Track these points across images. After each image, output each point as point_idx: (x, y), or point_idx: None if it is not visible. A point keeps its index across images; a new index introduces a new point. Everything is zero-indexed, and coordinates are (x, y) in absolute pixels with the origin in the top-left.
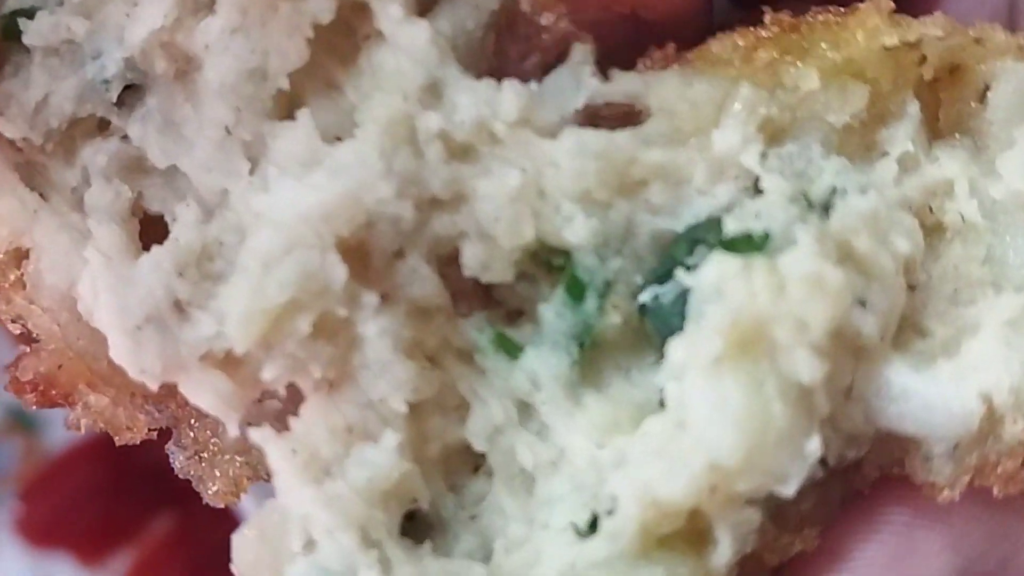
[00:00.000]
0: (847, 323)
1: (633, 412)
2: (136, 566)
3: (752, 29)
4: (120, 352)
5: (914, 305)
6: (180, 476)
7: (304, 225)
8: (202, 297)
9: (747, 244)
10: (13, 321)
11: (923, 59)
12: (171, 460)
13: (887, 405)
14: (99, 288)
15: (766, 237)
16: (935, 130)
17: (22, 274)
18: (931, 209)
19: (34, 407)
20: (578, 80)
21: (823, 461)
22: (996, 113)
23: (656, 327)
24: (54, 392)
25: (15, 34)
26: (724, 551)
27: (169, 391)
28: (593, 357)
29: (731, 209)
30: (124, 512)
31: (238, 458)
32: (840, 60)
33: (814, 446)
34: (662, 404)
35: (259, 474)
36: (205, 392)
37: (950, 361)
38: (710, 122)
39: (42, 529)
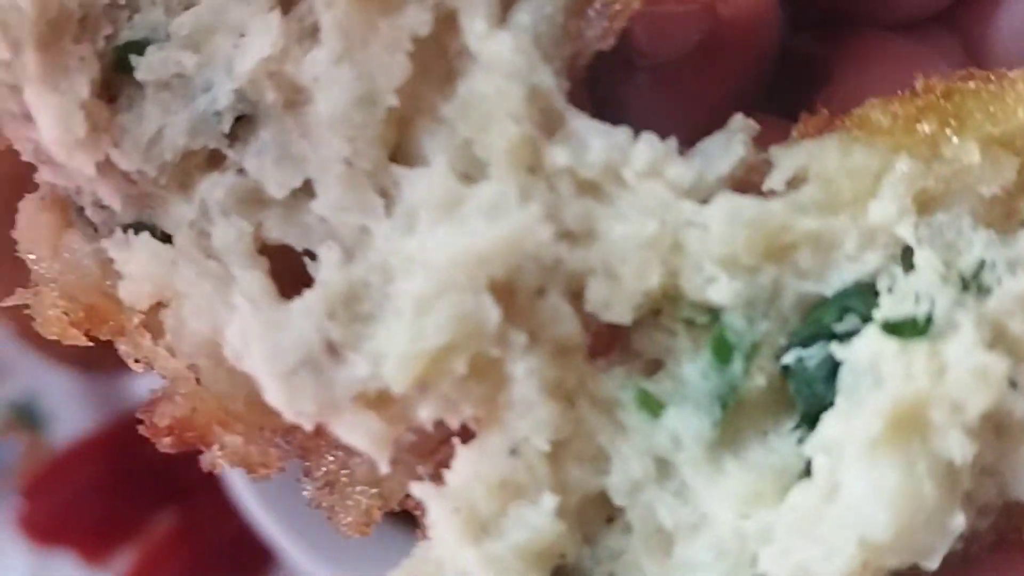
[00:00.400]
0: (1001, 405)
1: (775, 480)
2: (139, 563)
3: (907, 95)
4: (275, 396)
5: None
6: (311, 507)
7: (459, 269)
8: (354, 338)
9: (909, 328)
10: (137, 361)
11: None
12: (303, 490)
13: (1022, 479)
14: (250, 334)
15: (928, 321)
16: None
17: (147, 319)
18: None
19: (171, 451)
20: (731, 147)
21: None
22: None
23: (798, 390)
24: (190, 435)
25: (128, 67)
26: None
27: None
28: (733, 418)
29: (878, 275)
30: (127, 509)
31: (370, 489)
32: (998, 134)
33: (958, 522)
34: (805, 473)
35: (389, 504)
36: (358, 432)
37: None
38: (867, 192)
39: (45, 526)
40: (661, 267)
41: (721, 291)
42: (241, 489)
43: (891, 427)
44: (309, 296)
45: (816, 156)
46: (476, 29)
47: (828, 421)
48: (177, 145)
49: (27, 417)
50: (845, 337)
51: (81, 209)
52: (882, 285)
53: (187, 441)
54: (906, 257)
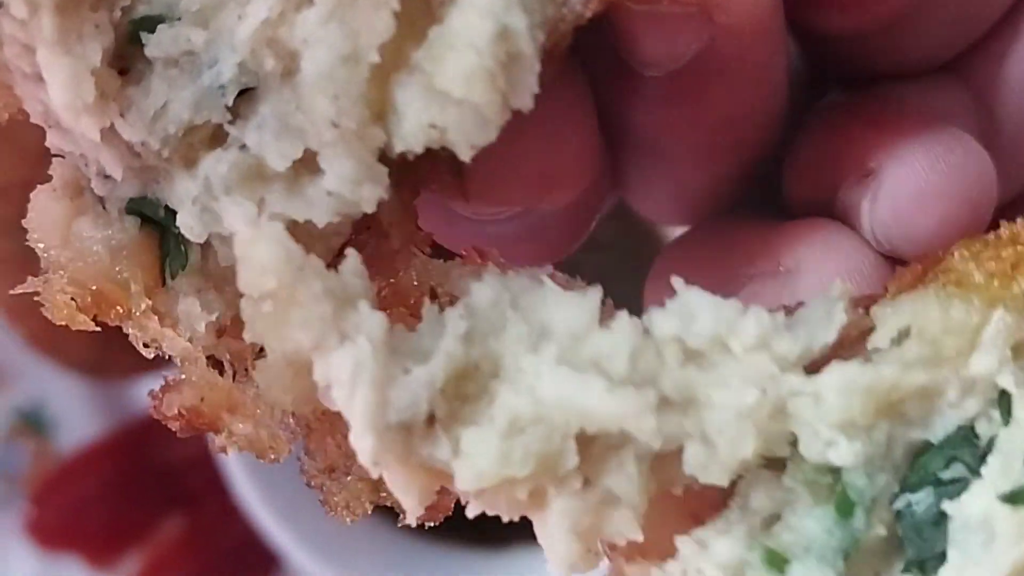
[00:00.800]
0: None
1: None
2: (145, 568)
3: (994, 240)
4: (361, 441)
5: None
6: (306, 484)
7: (562, 411)
8: (451, 421)
9: (1018, 497)
10: (146, 345)
11: None
12: (301, 465)
13: None
14: (362, 376)
15: (969, 435)
16: None
17: (153, 304)
18: None
19: (182, 435)
20: (832, 315)
21: None
22: None
23: (907, 535)
24: (200, 421)
25: (140, 41)
26: None
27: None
28: (853, 567)
29: (977, 419)
30: (134, 515)
31: (368, 480)
32: None
33: None
34: None
35: (380, 497)
36: (408, 490)
37: None
38: (969, 346)
39: (52, 531)
40: (759, 436)
41: (842, 454)
42: (248, 494)
43: None
44: (433, 365)
45: (917, 314)
46: None
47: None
48: (181, 119)
49: (34, 423)
50: (951, 484)
51: (90, 188)
52: (982, 429)
53: (197, 427)
54: (1003, 399)
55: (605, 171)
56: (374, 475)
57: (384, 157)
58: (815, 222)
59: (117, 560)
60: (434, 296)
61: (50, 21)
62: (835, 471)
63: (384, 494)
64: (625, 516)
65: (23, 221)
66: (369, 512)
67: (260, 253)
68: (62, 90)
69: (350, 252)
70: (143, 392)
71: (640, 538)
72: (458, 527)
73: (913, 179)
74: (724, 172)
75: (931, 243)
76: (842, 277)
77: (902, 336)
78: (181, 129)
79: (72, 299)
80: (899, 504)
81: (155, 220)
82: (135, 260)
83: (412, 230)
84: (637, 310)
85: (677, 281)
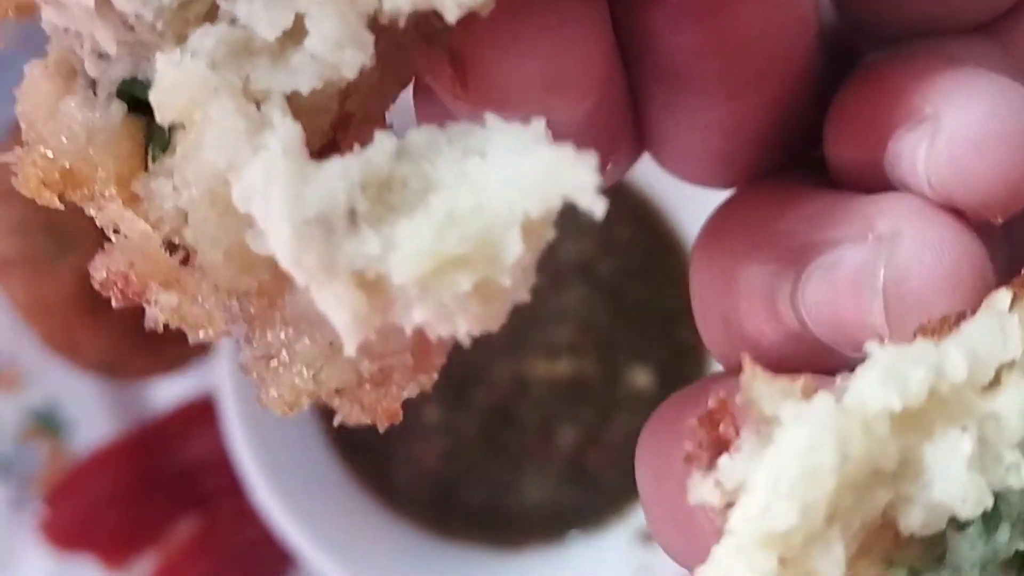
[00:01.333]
0: None
1: None
2: (160, 569)
3: None
4: (280, 242)
5: None
6: (240, 371)
7: (505, 198)
8: (376, 219)
9: None
10: (103, 228)
11: None
12: (237, 348)
13: None
14: (275, 176)
15: None
16: None
17: (133, 187)
18: None
19: (119, 306)
20: (1005, 331)
21: None
22: None
23: None
24: (130, 292)
25: None
26: None
27: (271, 290)
28: None
29: None
30: (148, 515)
31: (306, 372)
32: None
33: None
34: None
35: (319, 393)
36: (341, 307)
37: None
38: None
39: (66, 532)
40: (986, 483)
41: (1019, 474)
42: (263, 495)
43: None
44: (349, 160)
45: None
46: None
47: None
48: None
49: (49, 424)
50: None
51: (84, 72)
52: None
53: (128, 297)
54: None
55: (622, 101)
56: (300, 283)
57: (375, 29)
58: (901, 193)
59: (131, 561)
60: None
61: None
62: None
63: (324, 379)
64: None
65: (14, 90)
66: (304, 407)
67: (170, 75)
68: None
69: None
70: (158, 393)
71: None
72: (474, 528)
73: (973, 123)
74: (753, 114)
75: (989, 191)
76: (945, 246)
77: None
78: (175, 1)
79: (41, 172)
80: None
81: (144, 103)
82: (111, 146)
83: (384, 112)
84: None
85: (871, 346)
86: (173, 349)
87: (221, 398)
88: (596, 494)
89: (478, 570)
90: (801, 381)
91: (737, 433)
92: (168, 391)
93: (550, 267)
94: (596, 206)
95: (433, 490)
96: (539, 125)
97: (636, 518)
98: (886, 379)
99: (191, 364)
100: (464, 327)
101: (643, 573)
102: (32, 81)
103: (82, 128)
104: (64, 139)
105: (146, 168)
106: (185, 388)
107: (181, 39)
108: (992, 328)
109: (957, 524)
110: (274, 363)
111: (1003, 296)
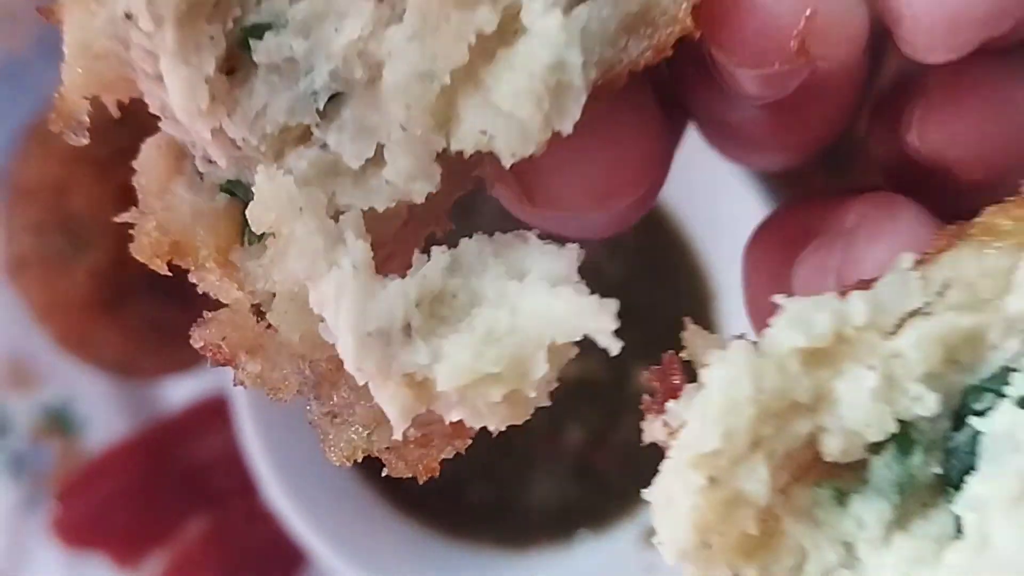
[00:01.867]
0: None
1: (932, 544)
2: (171, 567)
3: (1020, 198)
4: (345, 348)
5: None
6: (309, 423)
7: (536, 324)
8: (428, 332)
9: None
10: (204, 293)
11: None
12: (306, 406)
13: None
14: (345, 292)
15: (1007, 371)
16: None
17: (231, 258)
18: None
19: (211, 365)
20: (907, 285)
21: None
22: None
23: (948, 462)
24: (219, 357)
25: (248, 47)
26: None
27: (338, 362)
28: (906, 499)
29: (1017, 360)
30: (160, 514)
31: (363, 431)
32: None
33: None
34: (956, 532)
35: (372, 450)
36: (393, 403)
37: None
38: (1004, 286)
39: (78, 530)
40: (890, 411)
41: (928, 405)
42: (274, 494)
43: None
44: (408, 282)
45: (955, 265)
46: (535, 8)
47: (974, 483)
48: (278, 121)
49: (62, 422)
50: (985, 413)
51: (192, 158)
52: (1020, 365)
53: (220, 362)
54: None
55: (663, 177)
56: (359, 381)
57: (442, 154)
58: (880, 191)
59: (143, 558)
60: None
61: (172, 34)
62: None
63: (375, 439)
64: (746, 516)
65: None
66: (359, 460)
67: (266, 192)
68: (180, 95)
69: (352, 210)
70: (170, 393)
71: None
72: (482, 527)
73: None
74: (805, 154)
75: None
76: (896, 240)
77: (945, 287)
78: (277, 129)
79: (155, 242)
80: (950, 444)
81: (243, 199)
82: (213, 227)
83: (442, 215)
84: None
85: (779, 298)
86: (186, 349)
87: (233, 398)
88: (603, 494)
89: (486, 569)
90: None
91: (682, 383)
92: (180, 391)
93: None
94: (613, 346)
95: (442, 490)
96: (573, 251)
97: (643, 518)
98: (793, 323)
99: (204, 364)
100: (493, 424)
101: (650, 572)
102: (148, 156)
103: (191, 208)
104: (174, 216)
105: (242, 243)
106: (197, 388)
107: (278, 156)
108: (896, 283)
109: (874, 450)
110: (337, 420)
111: (907, 257)
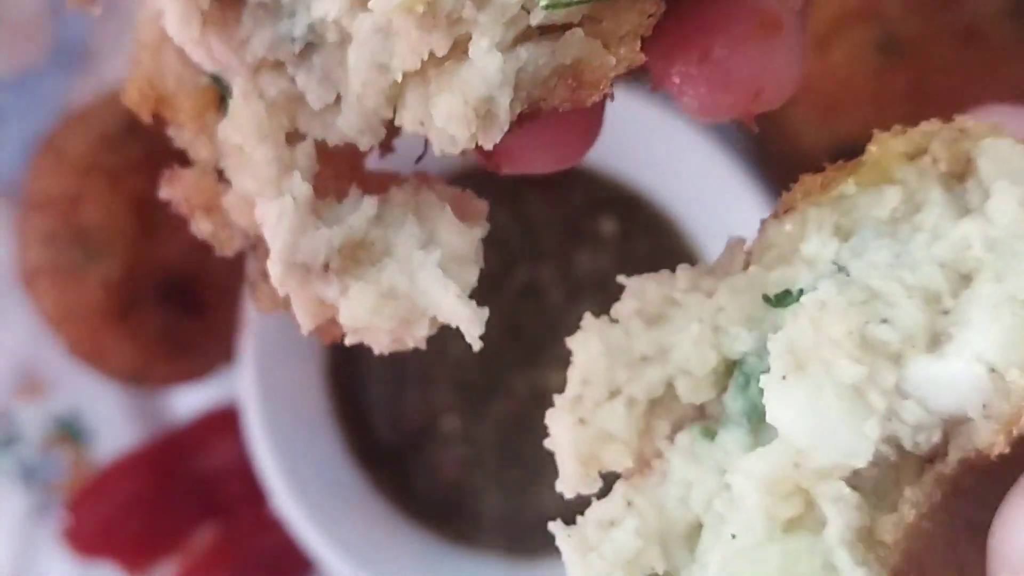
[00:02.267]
0: (872, 336)
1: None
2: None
3: (810, 177)
4: (272, 268)
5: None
6: (247, 275)
7: (425, 299)
8: (342, 271)
9: (788, 297)
10: (179, 147)
11: (935, 160)
12: (247, 260)
13: (928, 394)
14: (282, 222)
15: (801, 292)
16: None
17: (207, 120)
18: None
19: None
20: (732, 256)
21: (899, 447)
22: (981, 176)
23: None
24: (182, 211)
25: None
26: (833, 525)
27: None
28: (755, 425)
29: (810, 284)
30: (169, 523)
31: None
32: (873, 173)
33: (870, 429)
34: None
35: (287, 305)
36: (302, 310)
37: (953, 343)
38: (798, 240)
39: (88, 539)
40: (714, 349)
41: (746, 343)
42: (282, 502)
43: (793, 367)
44: (334, 231)
45: (771, 233)
46: (481, 45)
47: (764, 381)
48: (257, 54)
49: (72, 431)
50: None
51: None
52: (809, 287)
53: (182, 213)
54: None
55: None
56: (280, 293)
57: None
58: None
59: (153, 567)
60: (364, 186)
61: None
62: (735, 361)
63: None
64: (618, 449)
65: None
66: (282, 310)
67: (239, 110)
68: (176, 22)
69: (307, 139)
70: (181, 402)
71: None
72: (491, 536)
73: None
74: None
75: None
76: None
77: (762, 251)
78: (256, 59)
79: (143, 94)
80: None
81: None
82: (193, 95)
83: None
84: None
85: (622, 278)
86: (197, 359)
87: (244, 407)
88: None
89: None
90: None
91: None
92: (191, 400)
93: (567, 281)
94: (475, 344)
95: (451, 498)
96: (478, 232)
97: None
98: (631, 293)
99: (214, 373)
100: (378, 349)
101: None
102: (151, 14)
103: (176, 78)
104: (163, 76)
105: (217, 111)
106: (207, 397)
107: (255, 74)
108: (724, 256)
109: (723, 390)
110: (266, 278)
111: (736, 239)
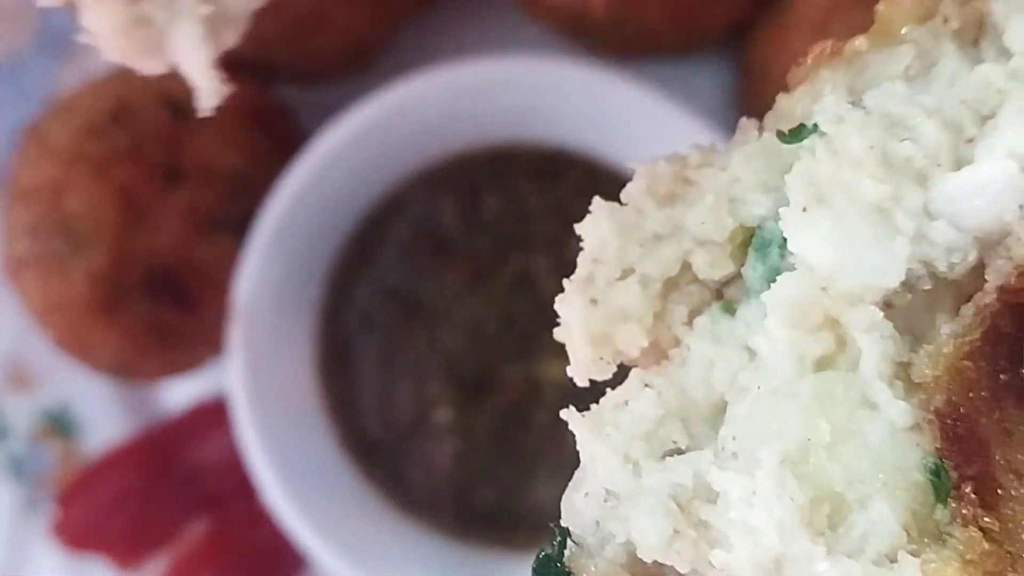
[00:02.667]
0: (894, 153)
1: None
2: (171, 570)
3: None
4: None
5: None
6: None
7: None
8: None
9: (803, 131)
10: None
11: (947, 19)
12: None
13: (958, 210)
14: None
15: (816, 126)
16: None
17: None
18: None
19: None
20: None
21: (933, 273)
22: (995, 21)
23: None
24: None
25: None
26: (868, 356)
27: None
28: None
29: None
30: (159, 517)
31: None
32: (883, 31)
33: (900, 246)
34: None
35: None
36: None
37: (981, 149)
38: (812, 102)
39: (78, 533)
40: (729, 215)
41: (763, 206)
42: (274, 497)
43: (812, 199)
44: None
45: (786, 103)
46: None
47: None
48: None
49: (61, 424)
50: None
51: None
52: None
53: None
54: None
55: None
56: None
57: None
58: None
59: (143, 562)
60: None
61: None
62: (752, 229)
63: None
64: (632, 329)
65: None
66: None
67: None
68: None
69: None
70: (170, 395)
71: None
72: (487, 530)
73: None
74: None
75: None
76: None
77: (775, 121)
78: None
79: None
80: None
81: None
82: None
83: None
84: None
85: (633, 163)
86: (185, 351)
87: (233, 400)
88: None
89: (491, 571)
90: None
91: None
92: (180, 393)
93: (562, 270)
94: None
95: (446, 492)
96: None
97: None
98: (642, 174)
99: (203, 366)
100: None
101: None
102: None
103: None
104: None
105: None
106: (197, 390)
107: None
108: (737, 137)
109: (739, 263)
110: None
111: (746, 120)
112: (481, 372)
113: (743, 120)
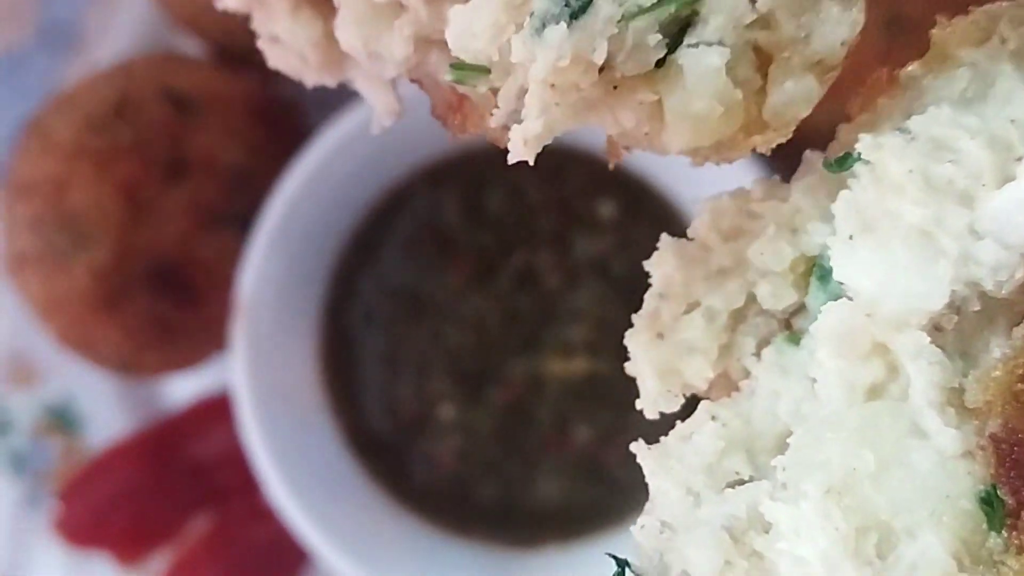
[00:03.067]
0: (936, 175)
1: None
2: (174, 566)
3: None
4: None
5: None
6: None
7: None
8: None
9: (848, 159)
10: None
11: (1004, 39)
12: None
13: (1005, 226)
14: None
15: (860, 154)
16: None
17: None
18: None
19: None
20: (808, 166)
21: (981, 293)
22: None
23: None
24: None
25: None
26: (917, 382)
27: None
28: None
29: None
30: (162, 512)
31: None
32: (939, 56)
33: (943, 269)
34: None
35: None
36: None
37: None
38: (871, 131)
39: (81, 529)
40: (791, 247)
41: (823, 234)
42: (277, 492)
43: (861, 224)
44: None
45: (845, 134)
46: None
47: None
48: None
49: (64, 420)
50: None
51: None
52: None
53: None
54: None
55: None
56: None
57: None
58: None
59: (146, 558)
60: None
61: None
62: (815, 259)
63: None
64: (698, 362)
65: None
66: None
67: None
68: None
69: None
70: (172, 390)
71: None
72: (489, 526)
73: None
74: None
75: None
76: None
77: (835, 152)
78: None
79: None
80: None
81: None
82: None
83: None
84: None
85: (696, 198)
86: (188, 346)
87: (236, 396)
88: (612, 492)
89: (493, 568)
90: None
91: None
92: (183, 388)
93: (565, 265)
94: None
95: (448, 488)
96: None
97: None
98: (705, 210)
99: (206, 361)
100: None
101: None
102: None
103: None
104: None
105: None
106: (200, 385)
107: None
108: (801, 172)
109: (803, 292)
110: None
111: (812, 153)
112: (484, 368)
113: (807, 152)
